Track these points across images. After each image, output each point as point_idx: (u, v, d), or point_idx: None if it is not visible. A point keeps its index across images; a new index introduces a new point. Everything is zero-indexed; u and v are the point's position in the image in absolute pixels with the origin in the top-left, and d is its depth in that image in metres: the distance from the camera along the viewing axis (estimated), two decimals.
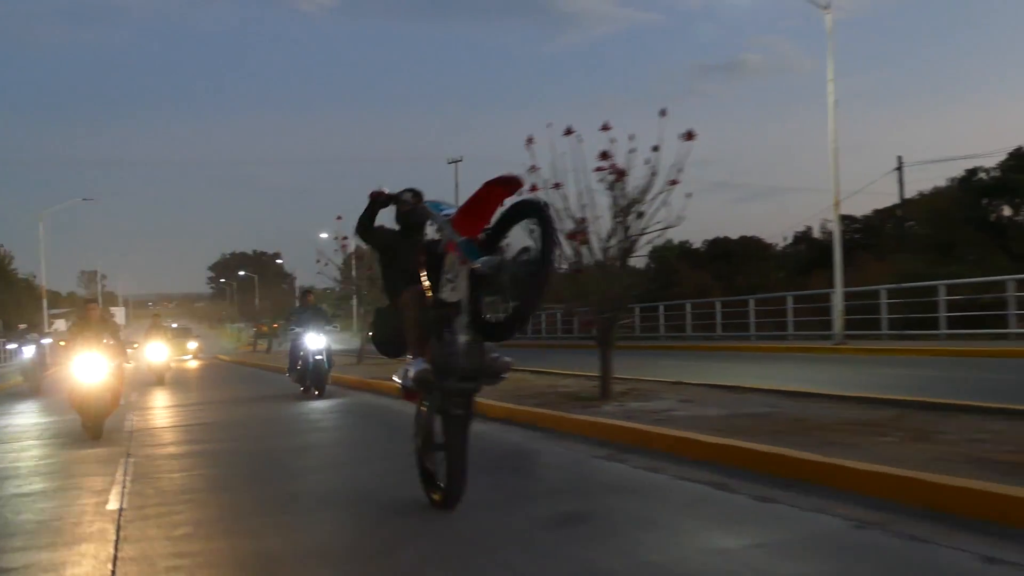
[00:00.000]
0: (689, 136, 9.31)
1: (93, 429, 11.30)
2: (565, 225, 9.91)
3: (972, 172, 43.75)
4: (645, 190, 9.77)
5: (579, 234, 10.06)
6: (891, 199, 49.48)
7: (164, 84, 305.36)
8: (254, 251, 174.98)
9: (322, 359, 16.63)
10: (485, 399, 9.55)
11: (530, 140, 9.87)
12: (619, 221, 9.99)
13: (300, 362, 17.16)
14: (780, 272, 54.48)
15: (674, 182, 9.55)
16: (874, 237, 52.29)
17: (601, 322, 10.71)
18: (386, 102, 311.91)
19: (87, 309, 12.45)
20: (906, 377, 13.55)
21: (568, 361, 18.95)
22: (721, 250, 58.82)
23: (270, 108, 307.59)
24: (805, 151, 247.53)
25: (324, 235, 42.62)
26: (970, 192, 43.52)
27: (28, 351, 29.76)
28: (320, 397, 16.23)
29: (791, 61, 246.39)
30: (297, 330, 17.46)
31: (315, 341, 16.81)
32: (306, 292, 20.71)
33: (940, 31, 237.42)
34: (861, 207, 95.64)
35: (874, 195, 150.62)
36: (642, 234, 10.08)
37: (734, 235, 60.88)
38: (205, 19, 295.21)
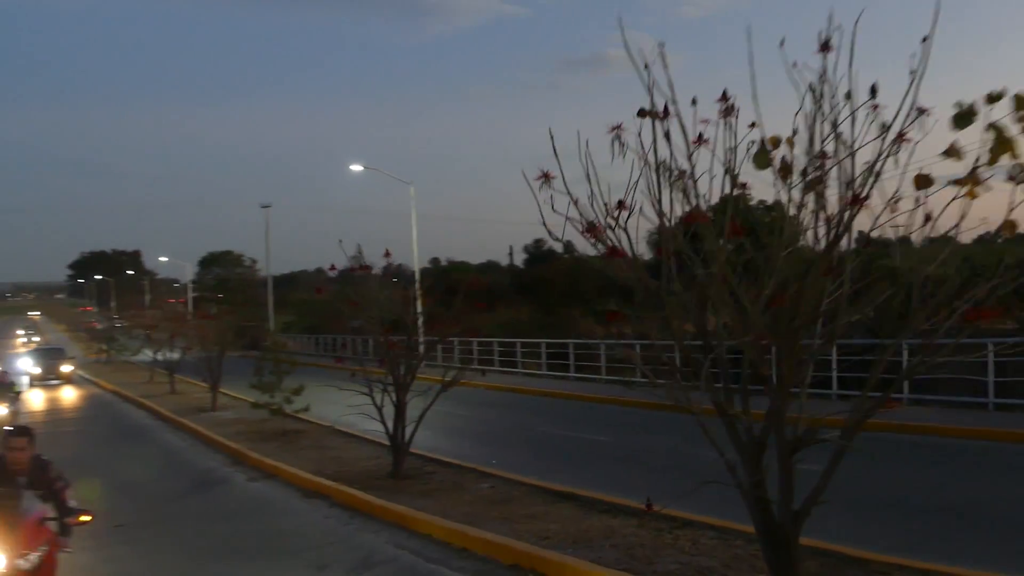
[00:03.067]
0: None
1: None
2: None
3: None
4: None
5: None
6: None
7: (22, 64, 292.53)
8: (113, 250, 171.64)
9: None
10: None
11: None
12: None
13: None
14: None
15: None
16: None
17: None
18: (246, 94, 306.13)
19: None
20: None
21: None
22: None
23: (128, 98, 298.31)
24: None
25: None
26: None
27: None
28: None
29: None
30: None
31: None
32: None
33: None
34: None
35: None
36: None
37: None
38: None
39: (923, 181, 5.28)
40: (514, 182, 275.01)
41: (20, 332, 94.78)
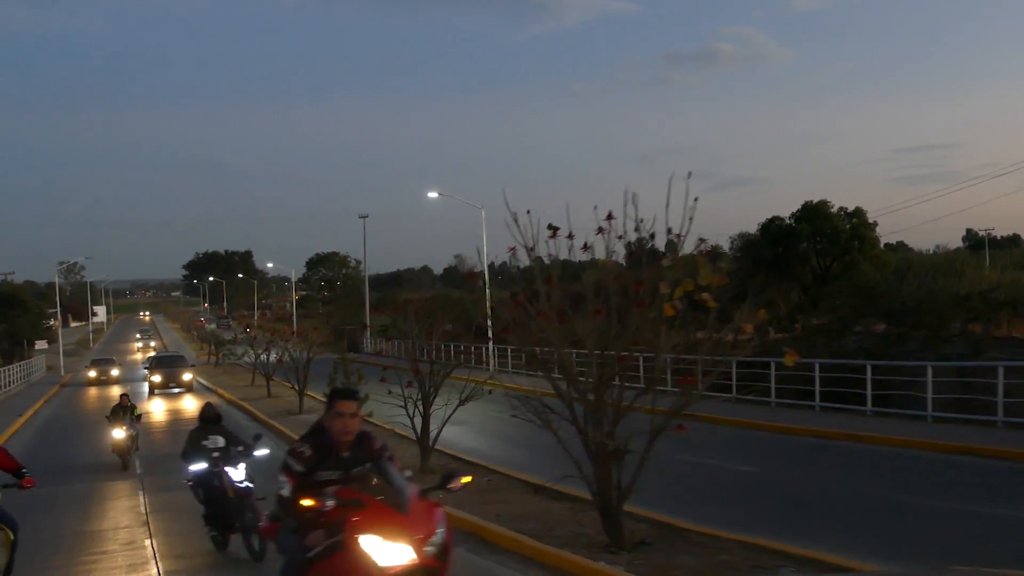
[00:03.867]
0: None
1: None
2: None
3: None
4: None
5: None
6: None
7: (135, 73, 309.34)
8: (226, 251, 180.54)
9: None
10: None
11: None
12: None
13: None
14: None
15: None
16: None
17: None
18: (352, 92, 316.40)
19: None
20: None
21: None
22: None
23: (241, 98, 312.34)
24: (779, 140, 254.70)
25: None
26: None
27: None
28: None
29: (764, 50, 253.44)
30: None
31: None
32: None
33: None
34: None
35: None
36: None
37: None
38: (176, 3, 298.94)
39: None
40: (615, 179, 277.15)
41: (137, 336, 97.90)
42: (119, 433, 19.74)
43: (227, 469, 10.64)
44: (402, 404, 16.15)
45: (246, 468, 10.80)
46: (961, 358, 22.88)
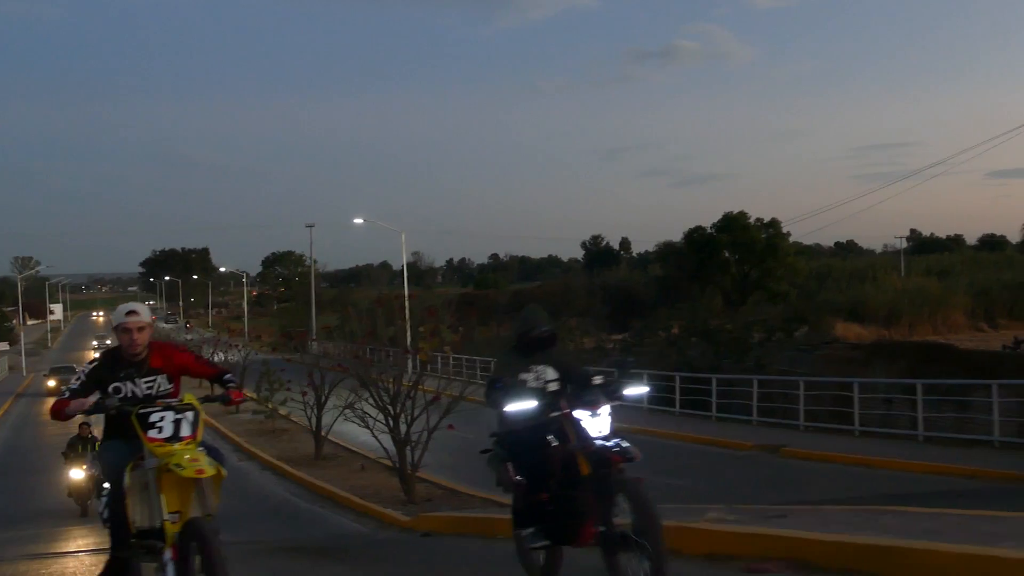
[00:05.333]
0: None
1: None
2: None
3: None
4: None
5: None
6: None
7: (94, 64, 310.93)
8: (183, 248, 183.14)
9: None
10: None
11: None
12: None
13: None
14: None
15: None
16: None
17: None
18: (315, 87, 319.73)
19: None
20: None
21: None
22: None
23: (211, 92, 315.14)
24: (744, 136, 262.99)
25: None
26: None
27: None
28: None
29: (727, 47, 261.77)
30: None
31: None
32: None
33: None
34: None
35: None
36: None
37: None
38: None
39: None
40: (581, 174, 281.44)
41: (95, 344, 77.65)
42: (77, 473, 16.63)
43: (577, 416, 5.97)
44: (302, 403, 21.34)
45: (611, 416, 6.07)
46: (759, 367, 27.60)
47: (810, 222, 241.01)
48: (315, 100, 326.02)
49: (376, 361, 18.04)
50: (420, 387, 15.67)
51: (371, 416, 15.62)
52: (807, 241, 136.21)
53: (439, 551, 10.13)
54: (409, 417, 14.89)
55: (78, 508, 17.08)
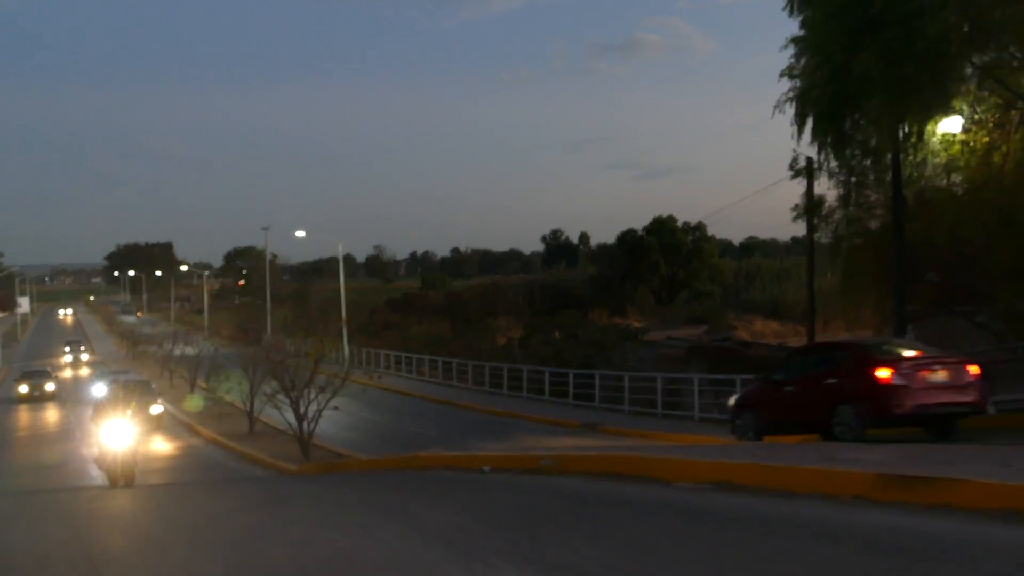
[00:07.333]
0: None
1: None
2: None
3: None
4: None
5: None
6: None
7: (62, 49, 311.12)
8: (146, 243, 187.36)
9: None
10: None
11: None
12: None
13: None
14: None
15: None
16: None
17: None
18: (278, 79, 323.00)
19: None
20: None
21: None
22: None
23: (171, 84, 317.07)
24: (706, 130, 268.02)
25: None
26: None
27: None
28: None
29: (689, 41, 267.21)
30: None
31: None
32: None
33: None
34: None
35: None
36: None
37: None
38: None
39: None
40: (545, 166, 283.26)
41: (66, 349, 67.48)
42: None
43: None
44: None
45: None
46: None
47: (772, 216, 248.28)
48: (279, 93, 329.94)
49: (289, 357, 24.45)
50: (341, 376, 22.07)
51: (282, 400, 21.82)
52: (763, 236, 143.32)
53: (298, 481, 16.34)
54: (306, 401, 21.07)
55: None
